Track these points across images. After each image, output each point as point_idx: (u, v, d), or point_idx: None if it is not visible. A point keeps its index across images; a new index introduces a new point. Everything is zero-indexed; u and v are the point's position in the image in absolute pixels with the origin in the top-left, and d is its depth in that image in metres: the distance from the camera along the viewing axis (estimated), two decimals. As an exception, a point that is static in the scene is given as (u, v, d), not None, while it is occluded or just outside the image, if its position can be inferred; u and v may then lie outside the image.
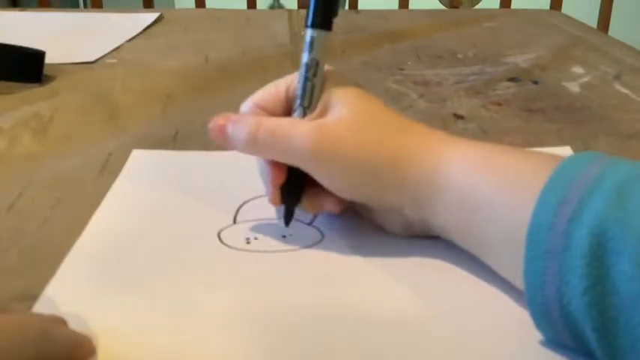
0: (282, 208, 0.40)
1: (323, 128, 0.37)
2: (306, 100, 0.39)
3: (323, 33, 0.38)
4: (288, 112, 0.40)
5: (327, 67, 0.40)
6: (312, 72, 0.38)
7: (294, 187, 0.39)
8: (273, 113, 0.40)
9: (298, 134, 0.37)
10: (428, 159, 0.36)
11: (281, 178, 0.39)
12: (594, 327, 0.27)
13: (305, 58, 0.39)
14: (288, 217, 0.40)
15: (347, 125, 0.37)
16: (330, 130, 0.37)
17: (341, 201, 0.39)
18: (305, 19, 0.39)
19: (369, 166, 0.36)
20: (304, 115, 0.39)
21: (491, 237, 0.34)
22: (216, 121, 0.39)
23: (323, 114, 0.38)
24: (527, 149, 0.38)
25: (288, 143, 0.37)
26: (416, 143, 0.37)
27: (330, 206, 0.39)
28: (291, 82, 0.40)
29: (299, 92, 0.39)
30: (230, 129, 0.38)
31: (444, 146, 0.37)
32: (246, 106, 0.40)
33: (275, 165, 0.38)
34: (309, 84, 0.39)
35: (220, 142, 0.39)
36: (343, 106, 0.38)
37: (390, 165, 0.36)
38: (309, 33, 0.39)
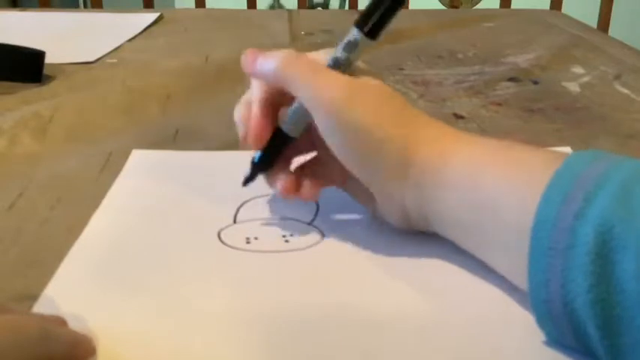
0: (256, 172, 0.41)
1: (355, 86, 0.37)
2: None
3: (367, 40, 0.38)
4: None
5: (359, 63, 0.39)
6: (342, 69, 0.38)
7: (272, 152, 0.40)
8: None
9: (333, 79, 0.37)
10: (435, 148, 0.37)
11: (267, 133, 0.39)
12: (598, 325, 0.27)
13: (339, 52, 0.38)
14: (249, 179, 0.41)
15: (372, 94, 0.37)
16: (361, 91, 0.37)
17: (342, 175, 0.39)
18: (358, 17, 0.38)
19: (382, 138, 0.36)
20: None
21: (494, 232, 0.34)
22: (251, 50, 0.40)
23: None
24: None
25: (320, 83, 0.37)
26: (426, 132, 0.37)
27: (331, 180, 0.40)
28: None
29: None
30: (268, 54, 0.39)
31: (452, 137, 0.37)
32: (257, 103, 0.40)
33: (265, 117, 0.39)
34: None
35: (250, 63, 0.40)
36: (370, 86, 0.38)
37: (400, 145, 0.36)
38: (354, 33, 0.38)
